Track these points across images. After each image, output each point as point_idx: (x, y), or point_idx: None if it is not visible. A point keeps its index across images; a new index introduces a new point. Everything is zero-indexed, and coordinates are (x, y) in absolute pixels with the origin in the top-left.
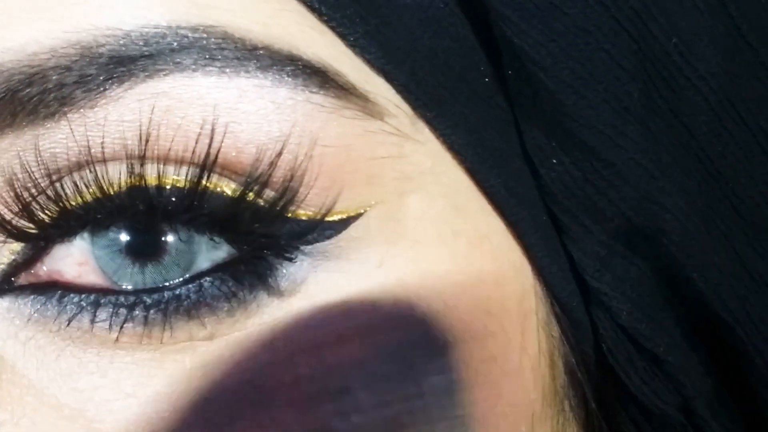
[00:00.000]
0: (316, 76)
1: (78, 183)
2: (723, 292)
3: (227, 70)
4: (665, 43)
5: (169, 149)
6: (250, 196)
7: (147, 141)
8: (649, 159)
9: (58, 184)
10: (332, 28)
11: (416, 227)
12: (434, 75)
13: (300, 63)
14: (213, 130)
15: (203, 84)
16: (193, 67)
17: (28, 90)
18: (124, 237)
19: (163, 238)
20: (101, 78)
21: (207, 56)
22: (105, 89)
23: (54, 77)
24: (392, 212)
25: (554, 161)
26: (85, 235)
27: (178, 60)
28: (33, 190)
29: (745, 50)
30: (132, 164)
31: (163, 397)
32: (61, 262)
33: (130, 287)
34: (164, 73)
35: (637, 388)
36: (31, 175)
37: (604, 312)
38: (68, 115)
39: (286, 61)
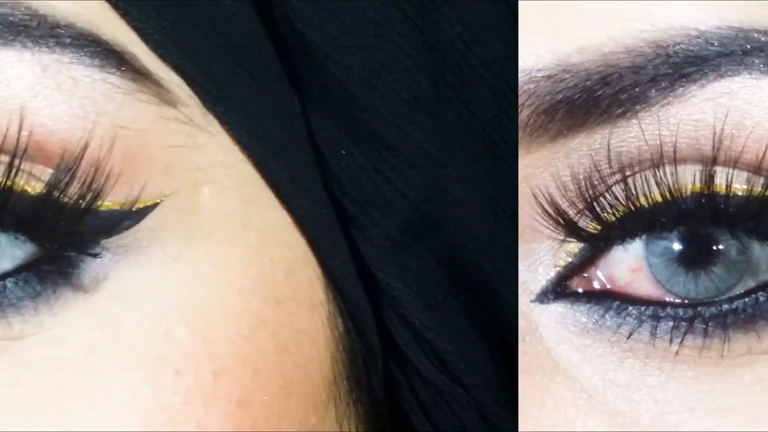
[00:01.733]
0: (113, 57)
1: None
2: (511, 275)
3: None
4: (450, 32)
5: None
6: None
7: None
8: (438, 147)
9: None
10: (128, 22)
11: (210, 219)
12: (224, 70)
13: (99, 44)
14: None
15: None
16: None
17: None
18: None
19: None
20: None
21: None
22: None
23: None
24: (188, 204)
25: (343, 152)
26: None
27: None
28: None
29: None
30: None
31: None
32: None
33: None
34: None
35: (427, 372)
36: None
37: (388, 303)
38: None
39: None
